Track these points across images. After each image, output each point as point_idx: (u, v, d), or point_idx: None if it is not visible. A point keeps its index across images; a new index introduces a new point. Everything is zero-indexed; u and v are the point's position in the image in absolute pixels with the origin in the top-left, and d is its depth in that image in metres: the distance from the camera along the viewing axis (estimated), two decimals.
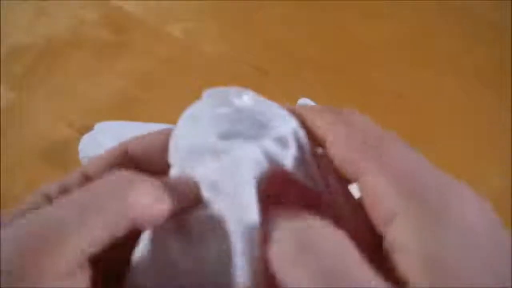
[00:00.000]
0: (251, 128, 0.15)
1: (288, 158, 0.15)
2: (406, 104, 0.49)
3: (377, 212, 0.14)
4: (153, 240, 0.15)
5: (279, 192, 0.15)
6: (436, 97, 0.50)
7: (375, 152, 0.15)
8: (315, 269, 0.13)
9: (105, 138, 0.40)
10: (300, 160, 0.15)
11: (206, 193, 0.14)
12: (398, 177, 0.14)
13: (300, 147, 0.15)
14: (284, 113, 0.16)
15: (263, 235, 0.14)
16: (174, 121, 0.19)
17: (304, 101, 0.45)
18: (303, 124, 0.16)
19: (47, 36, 0.53)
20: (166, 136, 0.17)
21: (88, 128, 0.42)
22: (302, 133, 0.15)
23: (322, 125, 0.16)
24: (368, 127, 0.16)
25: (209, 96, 0.17)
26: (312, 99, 0.46)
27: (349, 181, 0.15)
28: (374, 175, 0.14)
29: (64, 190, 0.16)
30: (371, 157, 0.15)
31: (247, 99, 0.16)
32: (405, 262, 0.13)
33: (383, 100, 0.49)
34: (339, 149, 0.15)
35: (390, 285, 0.12)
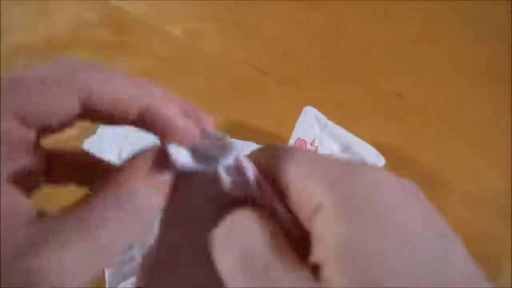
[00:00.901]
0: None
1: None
2: (406, 104, 0.49)
3: (304, 209, 0.15)
4: None
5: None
6: (436, 97, 0.50)
7: (300, 162, 0.16)
8: (237, 255, 0.14)
9: (107, 142, 0.40)
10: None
11: None
12: (323, 176, 0.15)
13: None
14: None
15: None
16: None
17: (308, 109, 0.44)
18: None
19: (47, 36, 0.53)
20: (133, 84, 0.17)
21: (89, 128, 0.41)
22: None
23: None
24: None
25: None
26: (312, 99, 0.46)
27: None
28: (302, 178, 0.15)
29: None
30: (300, 165, 0.16)
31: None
32: (322, 252, 0.14)
33: (383, 100, 0.49)
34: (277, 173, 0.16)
35: (309, 276, 0.13)
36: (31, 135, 0.15)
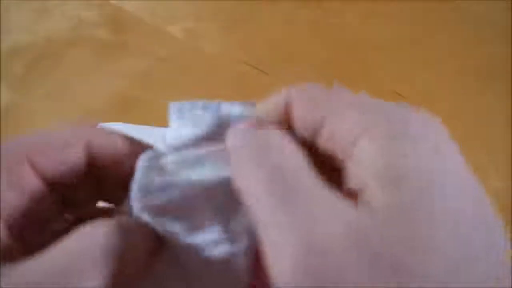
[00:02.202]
0: None
1: None
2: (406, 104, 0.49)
3: (343, 141, 0.15)
4: None
5: None
6: (436, 97, 0.50)
7: (329, 99, 0.17)
8: (266, 168, 0.14)
9: None
10: None
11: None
12: (359, 107, 0.16)
13: None
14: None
15: None
16: None
17: None
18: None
19: (47, 36, 0.53)
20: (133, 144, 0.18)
21: None
22: None
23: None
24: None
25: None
26: None
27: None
28: (337, 113, 0.15)
29: None
30: (330, 100, 0.16)
31: None
32: (361, 175, 0.14)
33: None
34: (299, 111, 0.17)
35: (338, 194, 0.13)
36: (41, 184, 0.16)
